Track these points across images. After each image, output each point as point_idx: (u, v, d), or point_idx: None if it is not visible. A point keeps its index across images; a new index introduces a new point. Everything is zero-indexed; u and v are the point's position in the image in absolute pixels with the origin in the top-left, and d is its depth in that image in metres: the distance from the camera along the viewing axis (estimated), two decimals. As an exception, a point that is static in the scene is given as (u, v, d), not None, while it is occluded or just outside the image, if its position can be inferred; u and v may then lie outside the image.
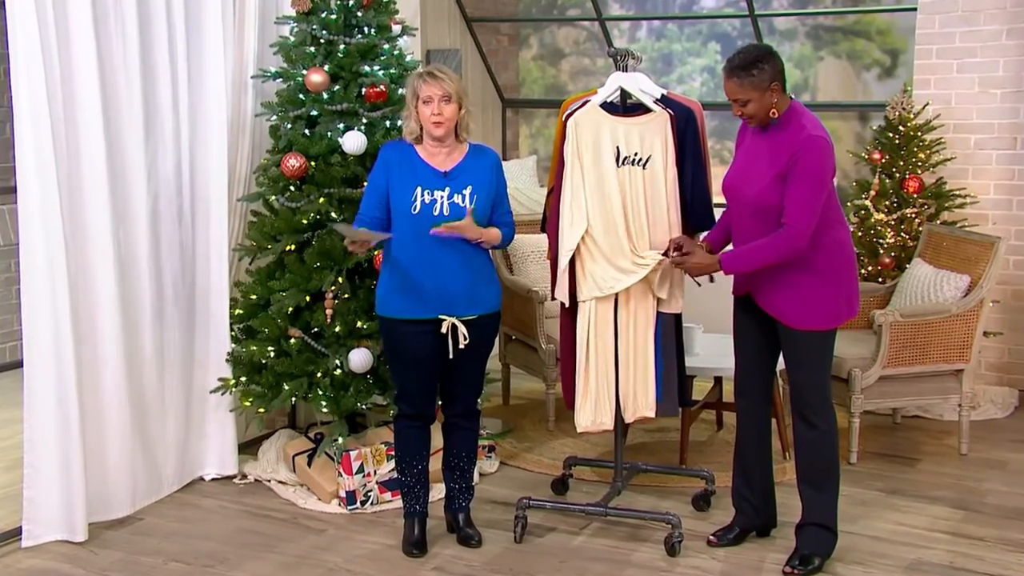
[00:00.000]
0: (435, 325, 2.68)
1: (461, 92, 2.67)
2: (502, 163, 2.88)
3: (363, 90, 3.18)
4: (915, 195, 3.94)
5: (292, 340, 3.15)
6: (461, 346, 2.67)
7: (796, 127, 2.56)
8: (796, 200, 2.52)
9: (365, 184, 3.14)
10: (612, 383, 2.83)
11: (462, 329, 2.67)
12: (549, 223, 2.94)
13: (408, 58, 3.36)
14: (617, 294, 2.81)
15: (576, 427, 2.88)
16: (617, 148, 2.80)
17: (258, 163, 3.38)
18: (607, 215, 2.79)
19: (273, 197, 3.24)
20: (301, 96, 3.19)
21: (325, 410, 3.11)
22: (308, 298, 3.16)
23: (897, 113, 4.00)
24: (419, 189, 2.65)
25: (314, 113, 3.19)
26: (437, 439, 2.94)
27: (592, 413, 2.84)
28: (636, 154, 2.81)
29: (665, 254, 2.77)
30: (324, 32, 3.18)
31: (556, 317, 3.83)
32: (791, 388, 2.71)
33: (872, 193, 3.99)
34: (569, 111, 2.84)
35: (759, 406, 2.81)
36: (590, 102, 2.83)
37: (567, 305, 2.86)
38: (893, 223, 3.95)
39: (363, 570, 2.75)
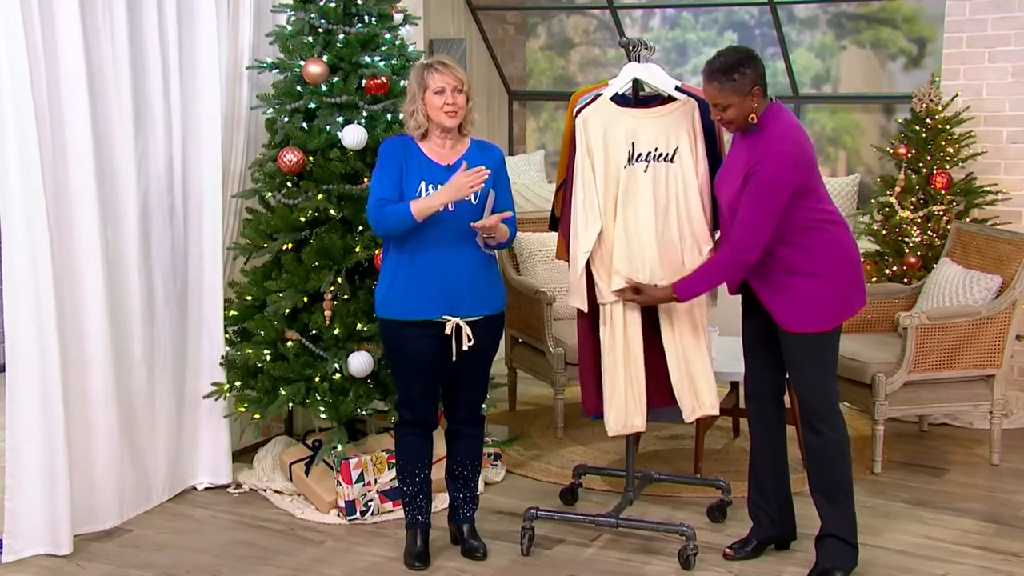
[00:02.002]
0: (439, 327, 2.61)
1: (468, 83, 2.62)
2: (506, 159, 2.80)
3: (363, 82, 3.11)
4: (943, 191, 3.84)
5: (289, 343, 3.09)
6: (465, 348, 2.58)
7: (767, 136, 2.50)
8: (744, 216, 2.50)
9: (368, 180, 3.05)
10: (642, 384, 2.74)
11: (466, 330, 2.59)
12: (560, 221, 2.82)
13: (410, 48, 3.28)
14: None
15: (607, 431, 2.79)
16: (632, 145, 2.69)
17: (253, 158, 3.32)
18: (617, 219, 2.69)
19: (269, 194, 3.18)
20: (299, 88, 3.12)
21: (323, 416, 3.05)
22: (306, 299, 3.10)
23: (924, 105, 3.90)
24: (423, 183, 2.58)
25: (312, 106, 3.12)
26: (440, 447, 2.87)
27: (623, 415, 2.75)
28: (657, 149, 2.70)
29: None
30: (323, 21, 3.10)
31: (564, 319, 3.73)
32: (796, 394, 2.66)
33: (897, 189, 3.89)
34: (578, 107, 2.75)
35: (770, 410, 2.75)
36: (601, 96, 2.71)
37: (585, 311, 2.77)
38: (919, 221, 3.84)
39: (362, 585, 2.68)
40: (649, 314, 2.75)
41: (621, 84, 2.73)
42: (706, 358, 2.75)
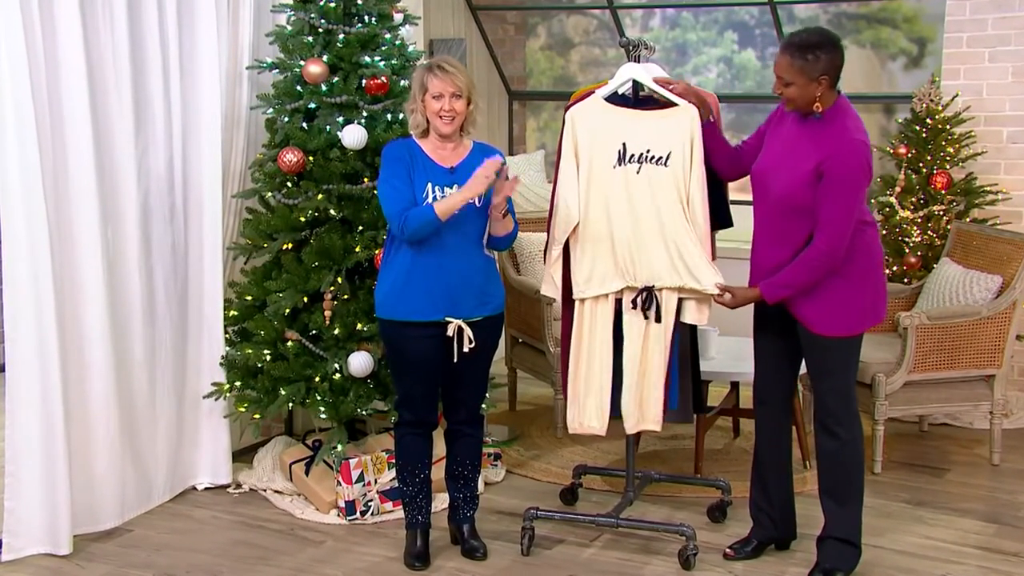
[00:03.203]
0: (441, 328, 2.62)
1: (471, 86, 2.60)
2: (506, 160, 2.78)
3: (363, 82, 3.10)
4: (943, 191, 3.82)
5: (289, 343, 3.08)
6: (466, 350, 2.59)
7: (839, 127, 2.44)
8: (830, 216, 2.42)
9: (368, 180, 3.05)
10: (604, 386, 2.71)
11: (468, 332, 2.58)
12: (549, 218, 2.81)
13: (410, 48, 3.28)
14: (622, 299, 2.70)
15: (569, 429, 2.79)
16: (623, 145, 2.66)
17: (253, 158, 3.31)
18: (596, 217, 2.67)
19: (269, 193, 3.18)
20: (299, 88, 3.12)
21: (323, 416, 3.04)
22: (306, 299, 3.09)
23: (924, 105, 3.88)
24: (430, 185, 2.57)
25: (312, 106, 3.11)
26: (440, 447, 2.86)
27: (579, 415, 2.74)
28: (650, 151, 2.66)
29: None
30: (323, 21, 3.10)
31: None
32: (814, 396, 2.62)
33: (897, 189, 3.87)
34: (569, 103, 2.74)
35: (779, 415, 2.73)
36: (593, 95, 2.70)
37: (555, 301, 2.77)
38: (919, 221, 3.83)
39: (362, 585, 2.68)
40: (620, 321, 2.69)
41: (617, 84, 2.71)
42: (662, 378, 2.69)
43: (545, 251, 2.81)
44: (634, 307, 2.67)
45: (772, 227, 2.53)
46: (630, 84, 2.73)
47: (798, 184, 2.44)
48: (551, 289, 2.76)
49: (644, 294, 2.66)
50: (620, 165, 2.66)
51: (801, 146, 2.46)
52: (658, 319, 2.66)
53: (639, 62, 2.74)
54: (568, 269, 2.73)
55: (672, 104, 2.68)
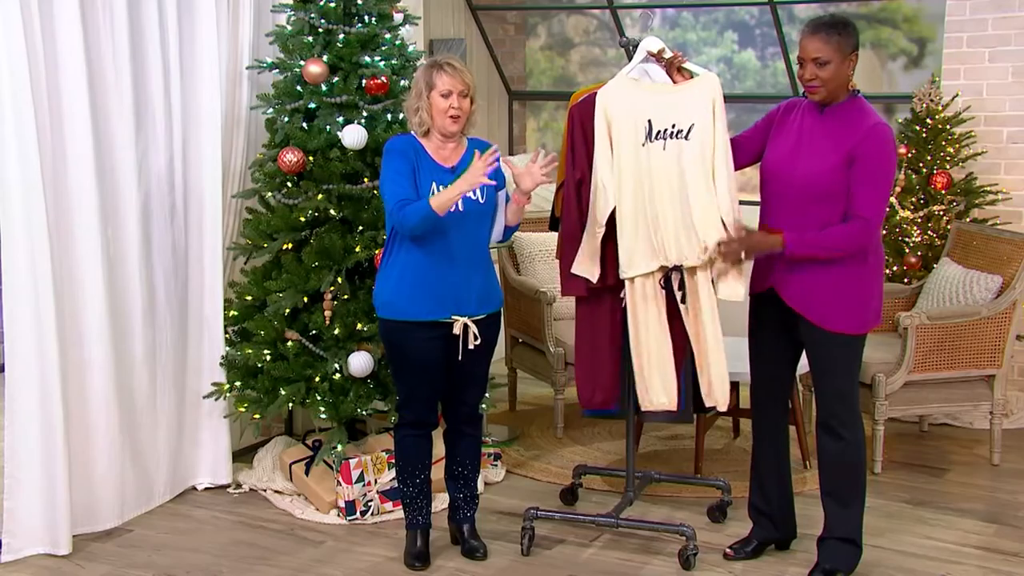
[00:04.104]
0: (445, 327, 2.61)
1: (475, 86, 2.60)
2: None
3: (363, 82, 3.10)
4: (943, 191, 3.82)
5: (289, 343, 3.08)
6: (472, 346, 2.60)
7: (862, 112, 2.44)
8: (871, 193, 2.41)
9: (368, 180, 3.05)
10: (665, 361, 2.66)
11: (473, 328, 2.59)
12: (561, 220, 2.79)
13: (410, 48, 3.27)
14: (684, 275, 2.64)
15: (641, 407, 2.74)
16: (648, 122, 2.61)
17: (253, 158, 3.32)
18: (629, 197, 2.63)
19: (269, 193, 3.18)
20: (299, 88, 3.12)
21: (323, 416, 3.04)
22: (306, 299, 3.10)
23: (924, 105, 3.88)
24: (434, 184, 2.57)
25: (312, 106, 3.11)
26: (439, 447, 2.87)
27: (647, 393, 2.69)
28: (675, 125, 2.60)
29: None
30: (323, 21, 3.09)
31: (564, 319, 3.71)
32: (817, 397, 2.60)
33: (897, 189, 3.87)
34: (577, 97, 2.71)
35: (777, 417, 2.72)
36: (619, 74, 2.67)
37: (594, 280, 2.69)
38: (920, 221, 3.83)
39: (362, 586, 2.68)
40: (672, 299, 2.66)
41: (637, 60, 2.66)
42: (720, 353, 2.66)
43: (559, 255, 2.75)
44: (663, 287, 2.64)
45: (790, 218, 2.48)
46: (645, 57, 2.65)
47: (825, 170, 2.43)
48: (592, 269, 2.67)
49: (672, 273, 2.62)
50: (648, 142, 2.61)
51: (823, 134, 2.45)
52: (683, 300, 2.62)
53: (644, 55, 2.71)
54: (612, 251, 2.66)
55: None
